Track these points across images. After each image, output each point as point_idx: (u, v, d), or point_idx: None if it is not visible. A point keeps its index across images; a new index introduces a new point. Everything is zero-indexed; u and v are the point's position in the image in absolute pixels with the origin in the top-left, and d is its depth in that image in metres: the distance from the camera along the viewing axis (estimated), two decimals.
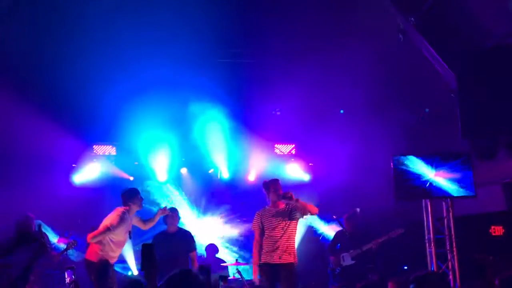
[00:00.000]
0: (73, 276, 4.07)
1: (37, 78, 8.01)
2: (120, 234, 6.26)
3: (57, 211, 8.04)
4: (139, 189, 6.79)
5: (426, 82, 7.65)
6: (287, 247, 6.05)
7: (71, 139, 8.54)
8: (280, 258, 5.99)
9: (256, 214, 6.30)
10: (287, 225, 6.08)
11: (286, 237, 6.06)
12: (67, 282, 3.94)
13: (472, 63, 5.87)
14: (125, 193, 6.56)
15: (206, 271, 5.52)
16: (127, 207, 6.44)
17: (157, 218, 6.68)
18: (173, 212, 7.04)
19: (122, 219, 6.24)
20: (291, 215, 6.13)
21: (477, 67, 5.84)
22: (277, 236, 6.04)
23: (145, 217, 6.71)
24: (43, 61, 7.83)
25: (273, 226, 6.08)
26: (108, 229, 6.15)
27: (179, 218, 7.15)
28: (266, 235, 6.09)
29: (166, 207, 6.79)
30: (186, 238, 7.01)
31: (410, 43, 7.05)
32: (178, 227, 7.11)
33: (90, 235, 6.20)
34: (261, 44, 8.16)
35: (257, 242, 6.16)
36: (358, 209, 7.80)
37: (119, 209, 6.37)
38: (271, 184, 6.29)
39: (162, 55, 8.01)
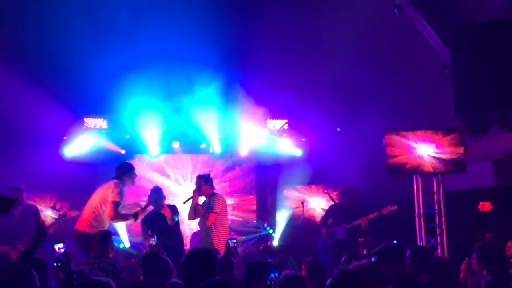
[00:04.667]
0: (63, 249, 4.08)
1: (26, 48, 7.88)
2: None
3: (47, 184, 8.03)
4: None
5: (420, 57, 7.62)
6: None
7: (62, 111, 8.44)
8: None
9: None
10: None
11: None
12: (58, 254, 3.95)
13: (466, 38, 5.82)
14: (121, 167, 6.56)
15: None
16: (121, 181, 6.45)
17: (145, 212, 6.57)
18: (156, 191, 7.02)
19: (121, 192, 6.27)
20: None
21: (471, 41, 5.79)
22: None
23: None
24: (33, 31, 7.68)
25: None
26: (117, 203, 6.18)
27: (163, 196, 7.11)
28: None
29: (148, 205, 6.68)
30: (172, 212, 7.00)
31: (405, 18, 6.99)
32: (164, 205, 7.09)
33: (108, 217, 6.21)
34: (253, 18, 8.08)
35: None
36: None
37: (112, 182, 6.37)
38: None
39: (155, 26, 7.90)
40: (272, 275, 3.55)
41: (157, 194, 6.93)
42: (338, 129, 6.91)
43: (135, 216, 6.41)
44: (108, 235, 5.28)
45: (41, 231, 3.41)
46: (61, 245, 4.09)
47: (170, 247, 5.91)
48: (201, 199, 6.58)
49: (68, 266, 3.80)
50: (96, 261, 4.92)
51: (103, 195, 6.31)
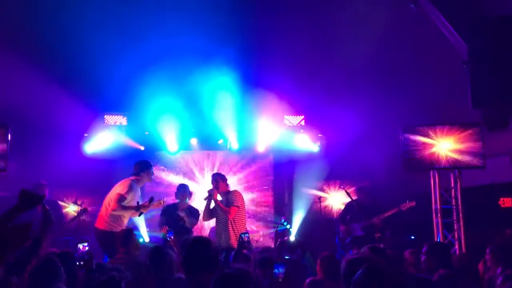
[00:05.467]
0: (87, 247, 4.17)
1: (48, 48, 8.06)
2: (128, 203, 6.39)
3: (68, 180, 8.20)
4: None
5: (438, 52, 7.54)
6: None
7: (83, 108, 8.61)
8: None
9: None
10: None
11: None
12: (82, 252, 4.04)
13: (484, 32, 5.74)
14: (139, 163, 6.69)
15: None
16: (139, 177, 6.56)
17: (149, 208, 6.59)
18: (182, 189, 7.12)
19: (130, 188, 6.36)
20: None
21: (488, 36, 5.71)
22: None
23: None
24: (54, 30, 7.85)
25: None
26: (122, 196, 6.28)
27: (189, 193, 7.23)
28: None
29: (164, 200, 6.76)
30: (192, 215, 7.10)
31: (422, 12, 6.93)
32: (188, 204, 7.20)
33: (110, 207, 6.33)
34: (270, 14, 8.10)
35: None
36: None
37: (128, 179, 6.50)
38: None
39: (173, 23, 7.99)
40: (276, 270, 3.59)
41: (184, 190, 7.05)
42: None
43: (137, 209, 6.46)
44: (130, 234, 5.35)
45: (47, 218, 3.47)
46: (85, 243, 4.17)
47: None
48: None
49: (90, 265, 3.90)
50: (121, 257, 5.02)
51: (115, 191, 6.44)
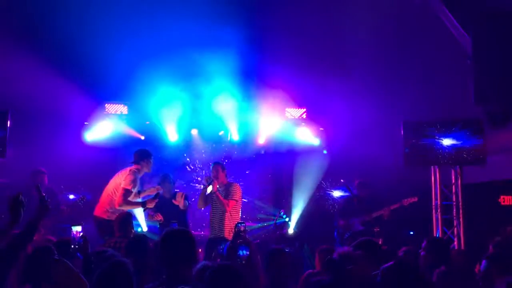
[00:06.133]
0: (81, 232, 4.16)
1: (49, 36, 8.01)
2: (131, 196, 6.40)
3: (68, 168, 8.19)
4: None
5: (441, 47, 7.49)
6: None
7: (83, 97, 8.58)
8: None
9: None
10: None
11: None
12: (76, 236, 4.02)
13: (488, 27, 5.72)
14: (139, 152, 6.67)
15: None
16: (139, 166, 6.54)
17: (154, 203, 6.60)
18: (164, 178, 7.10)
19: (135, 181, 6.36)
20: None
21: (492, 31, 5.69)
22: None
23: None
24: (56, 18, 7.81)
25: None
26: (128, 191, 6.27)
27: (173, 182, 7.20)
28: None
29: (158, 195, 6.74)
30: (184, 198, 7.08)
31: (427, 7, 6.88)
32: (173, 192, 7.18)
33: (117, 203, 6.32)
34: (273, 5, 8.06)
35: None
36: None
37: (129, 170, 6.48)
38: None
39: (175, 13, 7.94)
40: (241, 252, 3.70)
41: (166, 180, 7.03)
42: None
43: (143, 204, 6.48)
44: (129, 217, 5.46)
45: (42, 204, 3.45)
46: (79, 228, 4.14)
47: None
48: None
49: (86, 249, 3.88)
50: (118, 241, 5.04)
51: (118, 182, 6.43)
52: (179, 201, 6.84)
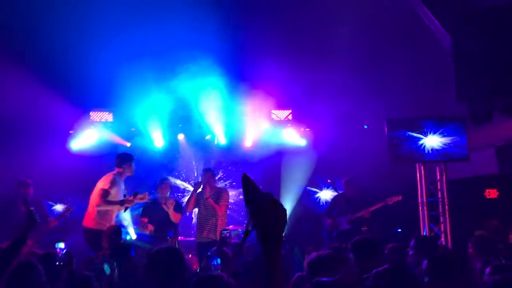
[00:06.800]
0: (65, 249, 4.11)
1: (32, 44, 7.95)
2: (114, 198, 6.35)
3: (54, 177, 8.12)
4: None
5: (423, 46, 7.56)
6: None
7: (68, 105, 8.52)
8: None
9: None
10: None
11: None
12: (60, 253, 3.96)
13: (468, 24, 5.76)
14: (120, 156, 6.67)
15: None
16: (121, 169, 6.52)
17: (134, 202, 6.58)
18: (162, 182, 7.08)
19: (114, 182, 6.33)
20: None
21: (472, 28, 5.74)
22: None
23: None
24: (38, 28, 7.74)
25: None
26: (105, 191, 6.24)
27: (170, 187, 7.20)
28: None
29: (147, 194, 6.73)
30: (178, 210, 7.08)
31: (407, 5, 6.93)
32: (168, 198, 7.18)
33: (94, 203, 6.29)
34: (258, 8, 8.07)
35: None
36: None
37: (110, 174, 6.47)
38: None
39: (159, 17, 7.92)
40: (215, 262, 3.79)
41: (163, 184, 7.03)
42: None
43: (122, 203, 6.43)
44: (118, 230, 5.58)
45: (30, 218, 3.42)
46: (62, 245, 4.09)
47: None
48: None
49: (70, 266, 3.85)
50: (105, 253, 5.04)
51: (99, 187, 6.41)
52: (168, 208, 6.83)
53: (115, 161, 6.64)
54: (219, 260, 3.90)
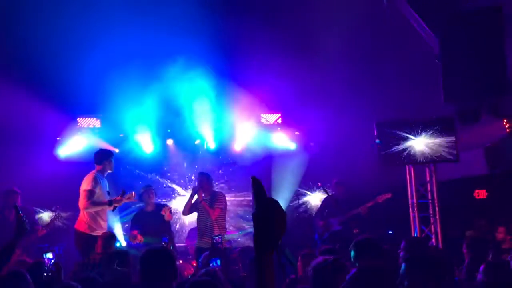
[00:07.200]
0: (53, 259, 4.05)
1: (16, 51, 7.88)
2: (99, 196, 6.29)
3: (42, 185, 8.03)
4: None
5: (410, 47, 7.61)
6: None
7: (55, 112, 8.43)
8: None
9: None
10: None
11: None
12: (48, 264, 3.89)
13: (455, 26, 5.83)
14: (99, 153, 6.62)
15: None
16: (101, 166, 6.46)
17: (122, 201, 6.49)
18: (148, 189, 7.02)
19: (95, 180, 6.27)
20: None
21: (459, 29, 5.80)
22: None
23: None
24: (23, 35, 7.68)
25: None
26: (90, 191, 6.17)
27: (155, 194, 7.14)
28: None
29: (133, 193, 6.62)
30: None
31: (394, 8, 6.98)
32: (155, 204, 7.11)
33: (82, 207, 6.23)
34: (245, 12, 8.07)
35: None
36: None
37: (90, 173, 6.42)
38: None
39: (146, 21, 7.89)
40: (214, 263, 3.79)
41: (147, 192, 6.97)
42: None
43: (110, 203, 6.36)
44: (113, 236, 5.62)
45: (21, 226, 3.36)
46: (50, 255, 4.03)
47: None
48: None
49: (59, 277, 3.79)
50: (97, 257, 5.01)
51: (82, 188, 6.35)
52: (165, 212, 6.79)
53: (94, 158, 6.57)
54: (218, 262, 3.87)
